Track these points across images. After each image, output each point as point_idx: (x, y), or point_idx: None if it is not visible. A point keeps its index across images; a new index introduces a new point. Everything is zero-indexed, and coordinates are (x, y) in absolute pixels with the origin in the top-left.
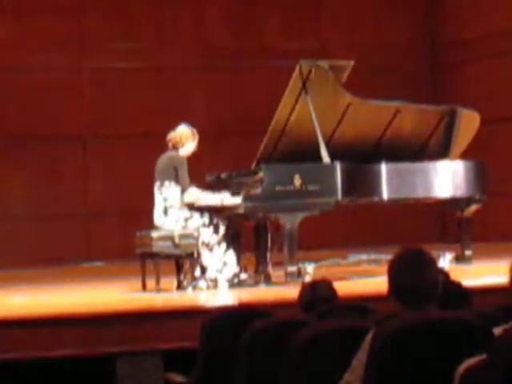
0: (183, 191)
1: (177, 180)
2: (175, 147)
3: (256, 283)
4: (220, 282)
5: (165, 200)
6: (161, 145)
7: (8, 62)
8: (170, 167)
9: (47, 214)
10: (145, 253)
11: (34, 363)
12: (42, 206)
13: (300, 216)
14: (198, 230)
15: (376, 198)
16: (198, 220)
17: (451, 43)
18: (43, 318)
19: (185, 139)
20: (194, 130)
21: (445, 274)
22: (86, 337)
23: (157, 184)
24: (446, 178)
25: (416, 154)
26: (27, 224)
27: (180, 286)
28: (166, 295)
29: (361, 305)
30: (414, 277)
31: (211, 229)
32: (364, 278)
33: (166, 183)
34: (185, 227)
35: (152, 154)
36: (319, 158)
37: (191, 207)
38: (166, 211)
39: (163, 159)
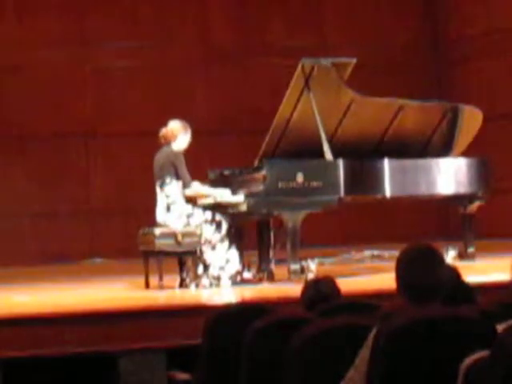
0: (185, 186)
1: (177, 176)
2: (168, 142)
3: (259, 281)
4: (223, 279)
5: (167, 197)
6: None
7: (10, 61)
8: (168, 164)
9: (50, 212)
10: (148, 250)
11: (36, 362)
12: (44, 204)
13: (303, 213)
14: (200, 226)
15: (379, 195)
16: (200, 216)
17: (454, 41)
18: (46, 316)
19: (176, 132)
20: (186, 124)
21: (455, 271)
22: (89, 335)
23: (158, 182)
24: (449, 175)
25: (419, 151)
26: (30, 222)
27: (183, 284)
28: (168, 293)
29: (364, 302)
30: (424, 274)
31: (213, 225)
32: (367, 275)
33: (167, 180)
34: (187, 224)
35: (155, 152)
36: (322, 155)
37: (194, 204)
38: (168, 208)
39: (160, 157)
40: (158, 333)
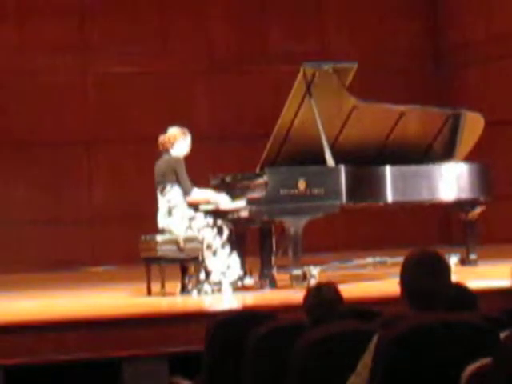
0: (186, 193)
1: (178, 182)
2: (166, 149)
3: (261, 287)
4: (224, 285)
5: (168, 201)
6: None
7: (12, 66)
8: (169, 170)
9: (52, 218)
10: (150, 257)
11: (39, 368)
12: (46, 211)
13: (304, 219)
14: (201, 230)
15: (381, 202)
16: (201, 221)
17: (455, 46)
18: (49, 323)
19: (174, 139)
20: (185, 130)
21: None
22: (92, 341)
23: (159, 188)
24: (451, 181)
25: (420, 156)
26: (32, 229)
27: (185, 290)
28: (170, 299)
29: (366, 308)
30: (430, 280)
31: (215, 230)
32: (369, 281)
33: (168, 186)
34: (189, 227)
35: (156, 159)
36: (323, 162)
37: (196, 208)
38: (170, 212)
39: (161, 163)
40: (160, 339)
